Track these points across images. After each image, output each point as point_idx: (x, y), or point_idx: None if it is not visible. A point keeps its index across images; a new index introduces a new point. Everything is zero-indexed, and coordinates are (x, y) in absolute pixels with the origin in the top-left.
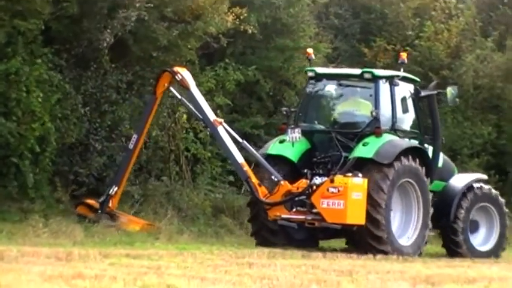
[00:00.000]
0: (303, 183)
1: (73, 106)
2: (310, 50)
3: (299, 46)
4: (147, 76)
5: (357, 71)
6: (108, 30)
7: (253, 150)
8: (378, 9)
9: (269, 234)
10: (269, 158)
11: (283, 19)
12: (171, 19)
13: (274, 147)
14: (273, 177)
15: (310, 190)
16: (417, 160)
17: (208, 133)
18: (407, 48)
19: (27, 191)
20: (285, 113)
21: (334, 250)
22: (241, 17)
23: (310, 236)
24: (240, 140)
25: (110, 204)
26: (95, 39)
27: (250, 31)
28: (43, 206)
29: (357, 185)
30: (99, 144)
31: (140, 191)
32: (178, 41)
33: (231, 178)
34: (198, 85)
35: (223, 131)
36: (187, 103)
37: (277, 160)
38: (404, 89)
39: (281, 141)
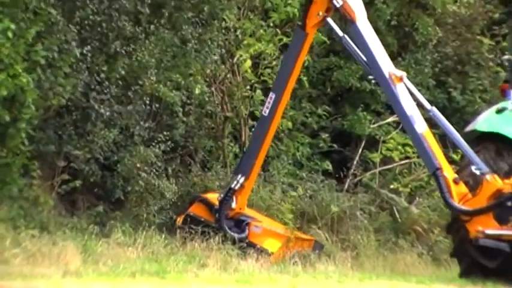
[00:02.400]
0: None
1: (62, 45)
2: None
3: None
4: None
5: None
6: None
7: (448, 124)
8: None
9: (485, 273)
10: (479, 137)
11: None
12: None
13: (487, 121)
14: (473, 168)
15: None
16: None
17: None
18: None
19: None
20: (507, 63)
21: None
22: None
23: None
24: (428, 106)
25: (234, 205)
26: None
27: None
28: (13, 211)
29: None
30: (107, 109)
31: (174, 187)
32: None
33: (327, 165)
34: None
35: (404, 91)
36: (352, 44)
37: (492, 141)
38: None
39: (499, 111)
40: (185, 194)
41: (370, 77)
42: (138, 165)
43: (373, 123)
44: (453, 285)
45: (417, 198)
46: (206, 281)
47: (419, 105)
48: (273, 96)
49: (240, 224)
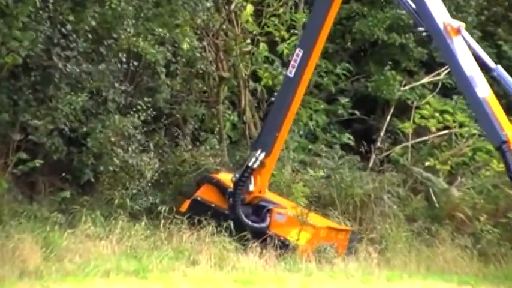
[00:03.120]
0: None
1: None
2: None
3: None
4: None
5: None
6: None
7: None
8: None
9: None
10: None
11: None
12: None
13: None
14: None
15: None
16: None
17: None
18: None
19: None
20: None
21: None
22: None
23: None
24: (492, 64)
25: (252, 187)
26: None
27: None
28: None
29: None
30: (73, 69)
31: (156, 163)
32: None
33: (347, 137)
34: None
35: (462, 46)
36: None
37: None
38: None
39: None
40: (171, 174)
41: (421, 29)
42: (113, 138)
43: (404, 85)
44: (504, 287)
45: (459, 178)
46: (197, 281)
47: (480, 64)
48: (300, 53)
49: (260, 211)
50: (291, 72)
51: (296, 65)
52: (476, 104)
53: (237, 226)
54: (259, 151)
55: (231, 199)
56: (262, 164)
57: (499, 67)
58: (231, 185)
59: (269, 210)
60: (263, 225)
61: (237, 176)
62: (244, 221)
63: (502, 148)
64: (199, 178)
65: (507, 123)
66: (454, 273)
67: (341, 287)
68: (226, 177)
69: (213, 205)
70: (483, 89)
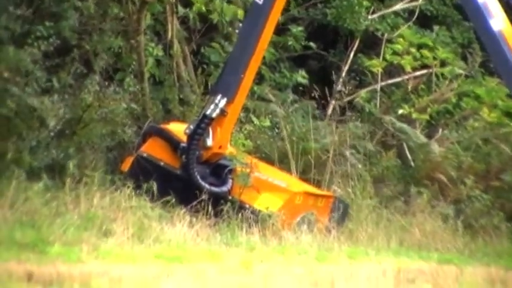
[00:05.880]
0: None
1: None
2: None
3: None
4: None
5: None
6: None
7: None
8: None
9: None
10: None
11: None
12: None
13: None
14: None
15: None
16: None
17: None
18: None
19: None
20: None
21: None
22: None
23: None
24: None
25: (210, 142)
26: None
27: None
28: None
29: None
30: None
31: (60, 109)
32: None
33: (301, 76)
34: None
35: None
36: None
37: None
38: None
39: None
40: (75, 122)
41: None
42: (6, 74)
43: (373, 13)
44: (496, 267)
45: (440, 130)
46: (110, 257)
47: None
48: None
49: (220, 171)
50: None
51: None
52: (489, 39)
53: (190, 190)
54: (219, 96)
55: (183, 156)
56: (223, 112)
57: None
58: (184, 138)
59: (231, 171)
60: (224, 188)
61: (192, 127)
62: (200, 184)
63: None
64: (145, 129)
65: None
66: (434, 249)
67: (290, 267)
68: (179, 129)
69: (161, 163)
70: (499, 20)
